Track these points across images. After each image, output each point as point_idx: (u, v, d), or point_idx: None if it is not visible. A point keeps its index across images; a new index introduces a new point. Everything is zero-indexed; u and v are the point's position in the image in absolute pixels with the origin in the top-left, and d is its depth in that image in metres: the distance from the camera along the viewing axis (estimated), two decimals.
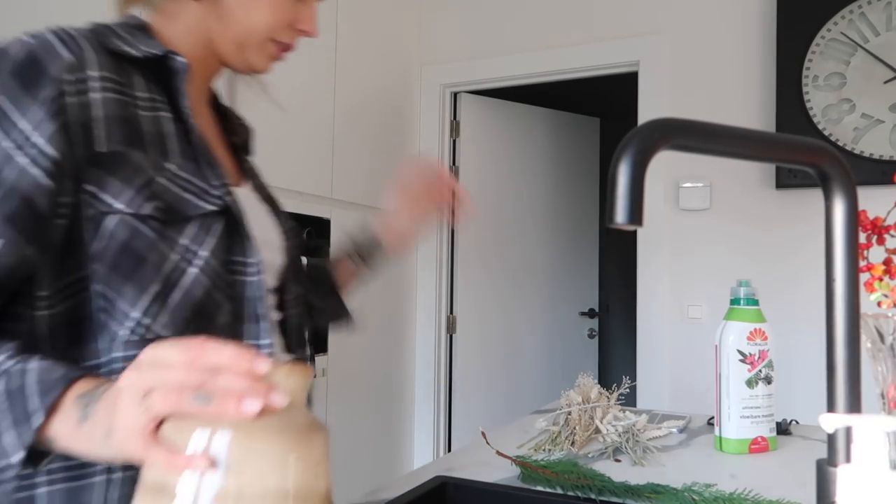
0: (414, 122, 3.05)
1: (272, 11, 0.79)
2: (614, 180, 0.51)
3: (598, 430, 1.16)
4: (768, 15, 2.59)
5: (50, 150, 0.64)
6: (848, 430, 0.58)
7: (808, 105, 2.46)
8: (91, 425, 0.52)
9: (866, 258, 0.82)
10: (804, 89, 2.47)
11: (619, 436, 1.13)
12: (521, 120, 3.43)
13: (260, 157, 2.06)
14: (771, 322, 1.13)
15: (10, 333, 0.65)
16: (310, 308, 0.96)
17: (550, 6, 2.92)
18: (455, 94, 3.14)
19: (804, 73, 2.47)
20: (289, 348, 0.87)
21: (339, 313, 1.08)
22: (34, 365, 0.56)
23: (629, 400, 2.99)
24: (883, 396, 0.70)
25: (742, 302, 1.13)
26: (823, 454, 0.61)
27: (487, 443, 1.08)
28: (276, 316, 0.85)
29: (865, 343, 0.68)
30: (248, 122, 0.98)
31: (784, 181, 2.51)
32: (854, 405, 0.58)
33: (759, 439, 1.10)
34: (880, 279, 0.80)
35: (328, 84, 2.42)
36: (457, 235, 3.09)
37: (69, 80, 0.66)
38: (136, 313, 0.67)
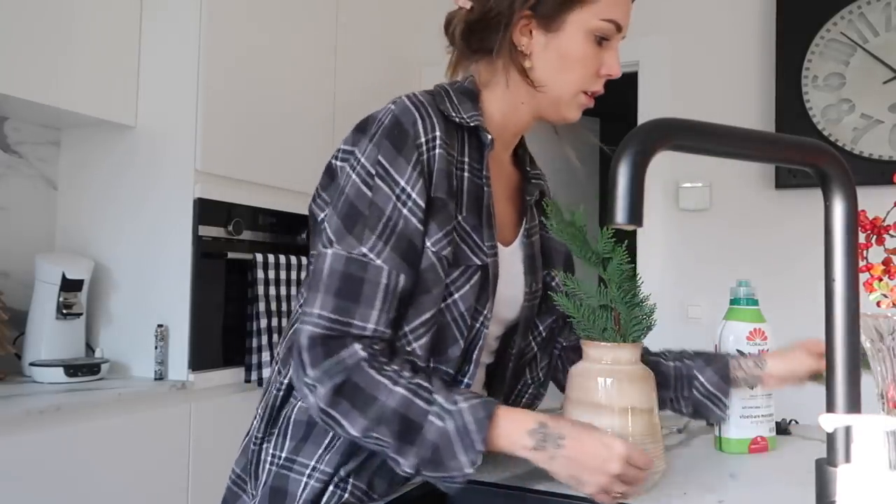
0: None
1: (581, 68, 0.90)
2: (614, 180, 0.51)
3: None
4: (768, 15, 2.59)
5: (421, 202, 0.81)
6: (847, 430, 0.58)
7: (807, 105, 2.46)
8: (547, 454, 0.77)
9: (866, 258, 0.82)
10: (804, 89, 2.47)
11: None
12: None
13: (260, 157, 2.06)
14: (771, 322, 1.13)
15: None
16: (529, 363, 1.04)
17: None
18: None
19: (804, 73, 2.47)
20: (488, 390, 1.00)
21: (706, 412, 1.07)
22: (464, 405, 0.76)
23: None
24: (882, 396, 0.70)
25: (742, 302, 1.13)
26: (823, 454, 0.61)
27: None
28: (487, 359, 0.98)
29: (865, 343, 0.69)
30: (544, 181, 1.09)
31: (784, 181, 2.51)
32: (853, 405, 0.58)
33: (759, 439, 1.10)
34: (879, 279, 0.80)
35: (328, 84, 2.42)
36: None
37: (424, 141, 0.82)
38: (406, 328, 0.82)
